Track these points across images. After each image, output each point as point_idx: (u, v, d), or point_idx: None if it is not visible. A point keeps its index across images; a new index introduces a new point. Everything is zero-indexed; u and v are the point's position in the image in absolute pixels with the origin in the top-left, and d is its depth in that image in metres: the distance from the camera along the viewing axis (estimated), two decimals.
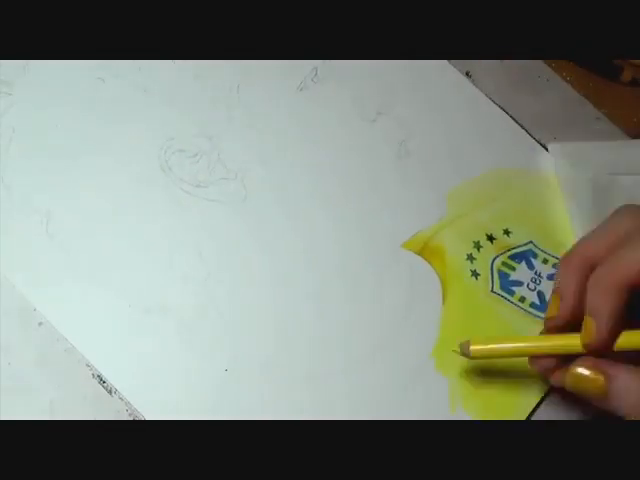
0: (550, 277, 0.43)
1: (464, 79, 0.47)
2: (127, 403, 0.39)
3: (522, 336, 0.41)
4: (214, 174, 0.44)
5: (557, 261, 0.44)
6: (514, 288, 0.43)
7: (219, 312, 0.41)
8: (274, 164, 0.44)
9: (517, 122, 0.47)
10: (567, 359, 0.36)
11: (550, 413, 0.41)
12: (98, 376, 0.39)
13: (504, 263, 0.44)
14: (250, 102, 0.45)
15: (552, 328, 0.37)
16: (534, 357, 0.38)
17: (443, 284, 0.43)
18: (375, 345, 0.41)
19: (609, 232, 0.36)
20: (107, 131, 0.44)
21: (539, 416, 0.41)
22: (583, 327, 0.35)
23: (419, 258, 0.43)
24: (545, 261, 0.44)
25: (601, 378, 0.35)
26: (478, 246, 0.44)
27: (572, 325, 0.36)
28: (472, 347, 0.37)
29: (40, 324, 0.40)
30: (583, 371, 0.35)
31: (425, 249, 0.43)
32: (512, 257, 0.44)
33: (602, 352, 0.35)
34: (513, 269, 0.43)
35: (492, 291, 0.43)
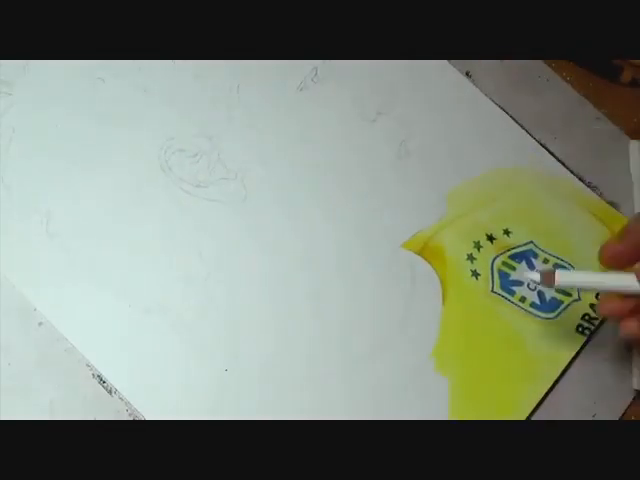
0: None
1: (464, 79, 0.47)
2: (127, 403, 0.39)
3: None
4: (214, 174, 0.44)
5: (558, 261, 0.44)
6: (514, 288, 0.43)
7: (219, 312, 0.41)
8: (274, 164, 0.44)
9: (517, 122, 0.47)
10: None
11: (550, 413, 0.41)
12: (98, 376, 0.39)
13: (504, 263, 0.44)
14: (250, 102, 0.45)
15: (608, 259, 0.36)
16: (607, 302, 0.36)
17: (443, 284, 0.43)
18: (375, 345, 0.41)
19: None
20: (107, 131, 0.44)
21: (539, 416, 0.41)
22: None
23: (419, 258, 0.43)
24: (546, 261, 0.44)
25: None
26: (478, 246, 0.44)
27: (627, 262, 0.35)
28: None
29: (40, 324, 0.40)
30: None
31: (425, 249, 0.43)
32: (512, 257, 0.44)
33: None
34: (513, 269, 0.43)
35: (492, 291, 0.43)
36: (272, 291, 0.42)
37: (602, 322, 0.43)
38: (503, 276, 0.43)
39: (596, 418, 0.42)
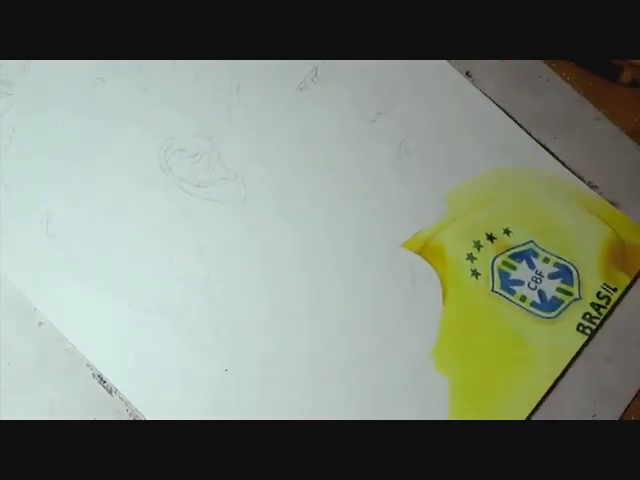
0: (551, 276, 0.43)
1: (464, 79, 0.47)
2: (127, 403, 0.39)
3: None
4: (214, 174, 0.44)
5: (558, 260, 0.44)
6: (515, 287, 0.43)
7: (219, 312, 0.41)
8: (274, 164, 0.44)
9: (517, 122, 0.47)
10: None
11: (550, 413, 0.41)
12: (98, 376, 0.39)
13: (505, 262, 0.44)
14: (250, 102, 0.45)
15: None
16: None
17: (443, 284, 0.43)
18: (375, 345, 0.41)
19: None
20: (107, 131, 0.44)
21: (539, 416, 0.41)
22: None
23: (419, 258, 0.43)
24: (546, 260, 0.44)
25: None
26: (478, 246, 0.44)
27: None
28: None
29: (40, 324, 0.40)
30: None
31: (425, 249, 0.43)
32: (513, 256, 0.44)
33: None
34: (514, 268, 0.43)
35: (492, 290, 0.43)
36: (272, 291, 0.42)
37: (603, 321, 0.43)
38: (503, 275, 0.43)
39: (596, 418, 0.41)
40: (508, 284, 0.43)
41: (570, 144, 0.46)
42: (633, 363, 0.43)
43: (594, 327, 0.43)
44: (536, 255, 0.44)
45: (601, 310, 0.43)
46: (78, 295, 0.40)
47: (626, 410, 0.42)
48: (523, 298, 0.43)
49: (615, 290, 0.43)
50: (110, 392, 0.39)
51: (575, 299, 0.43)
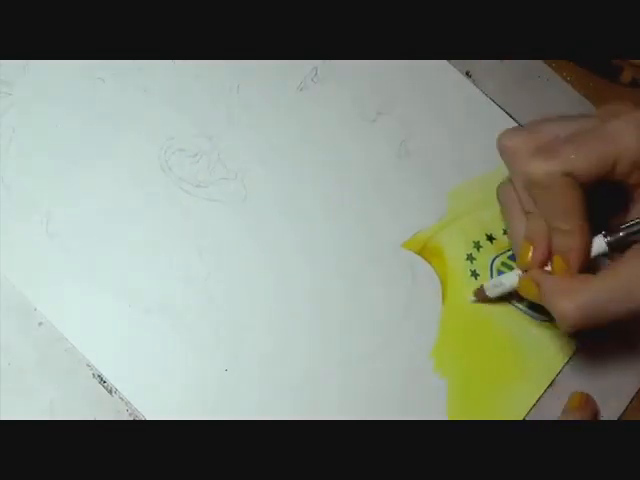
0: None
1: (464, 79, 0.47)
2: (127, 403, 0.39)
3: None
4: (214, 174, 0.44)
5: None
6: None
7: (219, 312, 0.41)
8: (274, 164, 0.44)
9: (517, 122, 0.47)
10: None
11: (549, 413, 0.41)
12: (98, 376, 0.39)
13: (504, 263, 0.44)
14: (250, 102, 0.45)
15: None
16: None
17: (443, 284, 0.43)
18: (374, 345, 0.41)
19: None
20: (107, 131, 0.44)
21: (538, 416, 0.41)
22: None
23: (419, 258, 0.43)
24: None
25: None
26: (478, 246, 0.44)
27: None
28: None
29: (40, 324, 0.40)
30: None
31: (425, 249, 0.43)
32: (512, 257, 0.44)
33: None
34: (513, 269, 0.43)
35: None
36: (272, 291, 0.42)
37: None
38: None
39: (596, 418, 0.41)
40: None
41: None
42: (633, 363, 0.43)
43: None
44: None
45: None
46: (78, 295, 0.40)
47: (626, 410, 0.42)
48: (521, 299, 0.43)
49: None
50: (110, 392, 0.39)
51: None
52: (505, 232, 0.44)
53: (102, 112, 0.44)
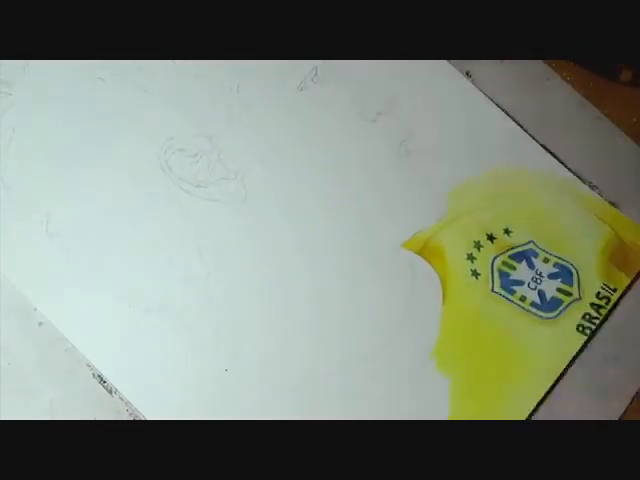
0: (551, 276, 0.43)
1: (464, 79, 0.47)
2: (127, 403, 0.39)
3: None
4: (214, 174, 0.44)
5: (558, 260, 0.44)
6: (514, 287, 0.43)
7: (219, 312, 0.41)
8: (274, 164, 0.44)
9: (517, 122, 0.47)
10: None
11: (550, 413, 0.41)
12: (98, 376, 0.39)
13: (504, 262, 0.44)
14: (250, 102, 0.45)
15: None
16: None
17: (443, 284, 0.43)
18: (375, 345, 0.41)
19: None
20: (107, 131, 0.44)
21: (539, 416, 0.41)
22: None
23: (419, 258, 0.43)
24: (546, 260, 0.44)
25: None
26: (478, 246, 0.44)
27: None
28: None
29: (40, 324, 0.40)
30: None
31: (425, 249, 0.43)
32: (512, 256, 0.44)
33: None
34: (513, 268, 0.43)
35: (492, 291, 0.43)
36: (272, 291, 0.42)
37: (603, 322, 0.43)
38: (503, 276, 0.43)
39: (596, 418, 0.41)
40: (508, 284, 0.43)
41: (570, 144, 0.46)
42: (633, 363, 0.43)
43: (594, 327, 0.43)
44: (536, 255, 0.44)
45: (601, 310, 0.43)
46: (78, 295, 0.40)
47: (626, 410, 0.42)
48: (523, 298, 0.43)
49: (615, 290, 0.43)
50: (110, 392, 0.39)
51: (575, 299, 0.43)
52: (505, 231, 0.44)
53: (102, 112, 0.44)
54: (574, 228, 0.44)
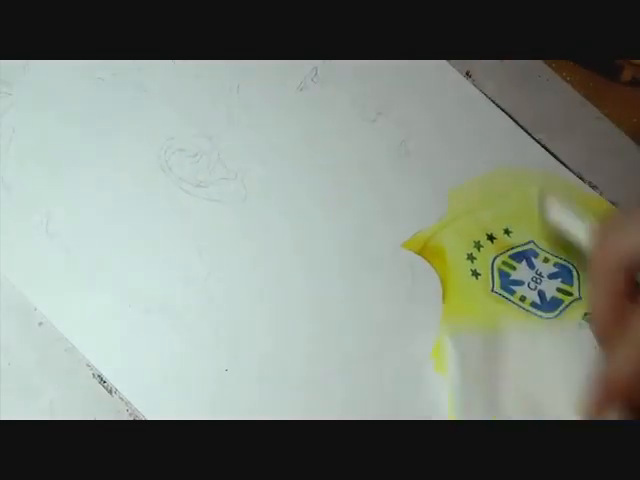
0: (551, 276, 0.43)
1: (464, 79, 0.47)
2: (127, 403, 0.39)
3: None
4: (214, 174, 0.44)
5: (558, 260, 0.44)
6: (514, 287, 0.43)
7: (219, 312, 0.41)
8: (274, 164, 0.44)
9: (517, 122, 0.47)
10: None
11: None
12: (98, 376, 0.39)
13: (504, 262, 0.44)
14: (250, 102, 0.45)
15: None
16: None
17: (443, 284, 0.43)
18: (375, 345, 0.41)
19: None
20: (107, 131, 0.44)
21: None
22: None
23: (419, 258, 0.43)
24: (546, 260, 0.44)
25: None
26: (478, 246, 0.44)
27: None
28: None
29: (40, 324, 0.40)
30: None
31: (425, 249, 0.43)
32: (513, 256, 0.44)
33: None
34: (514, 268, 0.43)
35: (492, 291, 0.43)
36: (272, 291, 0.42)
37: None
38: (503, 276, 0.43)
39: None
40: (508, 284, 0.43)
41: (570, 144, 0.46)
42: None
43: None
44: (536, 255, 0.44)
45: None
46: (78, 295, 0.40)
47: None
48: (523, 298, 0.43)
49: None
50: (110, 392, 0.39)
51: (575, 299, 0.43)
52: (505, 231, 0.44)
53: (102, 112, 0.44)
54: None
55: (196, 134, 0.44)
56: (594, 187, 0.46)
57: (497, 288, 0.43)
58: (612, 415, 0.35)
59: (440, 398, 0.40)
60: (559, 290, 0.43)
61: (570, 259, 0.44)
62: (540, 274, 0.43)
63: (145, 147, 0.44)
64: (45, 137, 0.43)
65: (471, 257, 0.43)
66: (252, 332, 0.41)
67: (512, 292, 0.43)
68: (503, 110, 0.47)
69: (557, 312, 0.43)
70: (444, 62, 0.47)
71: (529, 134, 0.46)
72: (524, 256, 0.44)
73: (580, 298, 0.43)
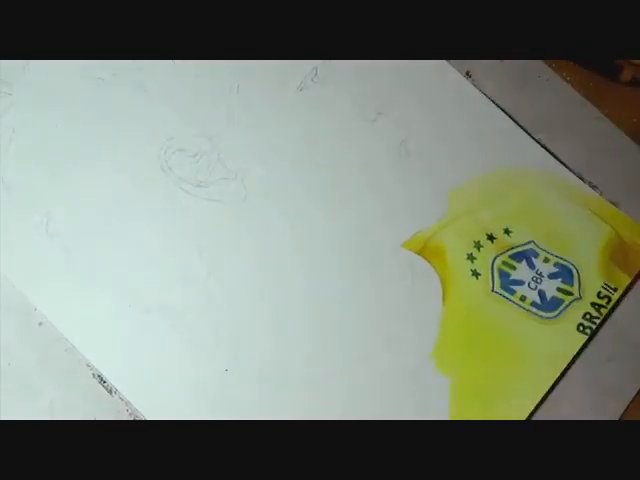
0: (551, 276, 0.43)
1: (464, 79, 0.47)
2: (127, 403, 0.39)
3: None
4: (214, 174, 0.44)
5: (558, 260, 0.44)
6: (515, 287, 0.43)
7: (219, 312, 0.41)
8: (274, 164, 0.44)
9: (517, 122, 0.47)
10: None
11: (550, 413, 0.41)
12: (98, 376, 0.39)
13: (505, 262, 0.44)
14: (250, 102, 0.45)
15: None
16: None
17: (443, 284, 0.43)
18: (375, 345, 0.41)
19: None
20: (107, 131, 0.44)
21: (539, 416, 0.41)
22: None
23: (419, 258, 0.43)
24: (546, 260, 0.44)
25: None
26: (478, 246, 0.44)
27: None
28: None
29: (40, 324, 0.40)
30: None
31: (425, 249, 0.43)
32: (513, 256, 0.44)
33: None
34: (514, 268, 0.43)
35: (492, 291, 0.43)
36: (272, 291, 0.42)
37: (603, 321, 0.43)
38: (503, 276, 0.43)
39: (596, 418, 0.41)
40: (508, 284, 0.43)
41: (570, 144, 0.46)
42: (633, 363, 0.43)
43: (594, 327, 0.43)
44: (536, 255, 0.44)
45: (601, 310, 0.43)
46: (78, 295, 0.40)
47: (626, 410, 0.42)
48: (523, 298, 0.43)
49: (615, 290, 0.43)
50: (110, 392, 0.39)
51: (575, 299, 0.43)
52: (505, 231, 0.44)
53: (102, 112, 0.44)
54: (574, 228, 0.44)
55: (196, 134, 0.44)
56: (594, 187, 0.46)
57: (497, 288, 0.43)
58: None
59: (440, 398, 0.40)
60: (559, 290, 0.43)
61: (571, 259, 0.44)
62: (540, 274, 0.43)
63: (145, 147, 0.44)
64: (45, 137, 0.43)
65: (471, 257, 0.43)
66: (252, 332, 0.41)
67: (512, 292, 0.43)
68: (503, 110, 0.47)
69: (557, 312, 0.43)
70: (444, 62, 0.47)
71: (529, 134, 0.46)
72: (524, 256, 0.44)
73: (580, 298, 0.43)
